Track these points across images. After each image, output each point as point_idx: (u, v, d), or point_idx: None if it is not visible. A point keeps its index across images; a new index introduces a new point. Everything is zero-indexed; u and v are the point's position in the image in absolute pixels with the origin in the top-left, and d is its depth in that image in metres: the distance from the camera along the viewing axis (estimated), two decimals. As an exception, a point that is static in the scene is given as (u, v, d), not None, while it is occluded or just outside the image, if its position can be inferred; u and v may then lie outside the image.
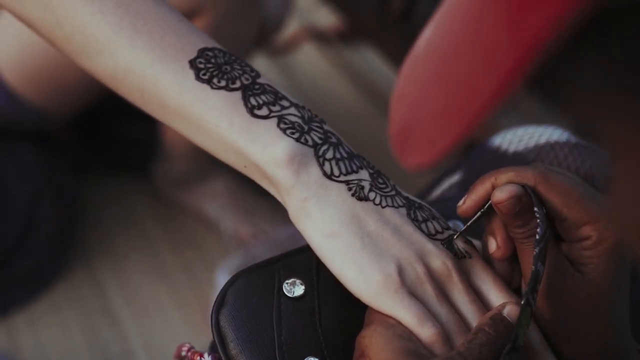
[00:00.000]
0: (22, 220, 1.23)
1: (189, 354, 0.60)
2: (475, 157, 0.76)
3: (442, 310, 0.52)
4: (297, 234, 1.36)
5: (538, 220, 0.48)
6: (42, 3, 0.58)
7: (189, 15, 1.06)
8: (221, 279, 1.23)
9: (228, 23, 1.08)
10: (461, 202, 0.54)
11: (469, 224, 0.54)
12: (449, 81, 0.33)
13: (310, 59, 1.99)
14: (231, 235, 1.40)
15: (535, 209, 0.49)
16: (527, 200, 0.50)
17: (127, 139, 1.49)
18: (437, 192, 0.77)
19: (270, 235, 1.38)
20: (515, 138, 0.75)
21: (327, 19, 2.04)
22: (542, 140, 0.73)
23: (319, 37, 2.05)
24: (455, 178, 0.75)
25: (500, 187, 0.51)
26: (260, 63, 1.71)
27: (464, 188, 0.72)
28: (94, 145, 1.49)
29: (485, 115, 0.30)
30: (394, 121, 0.41)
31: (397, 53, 1.34)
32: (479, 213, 0.54)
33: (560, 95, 0.29)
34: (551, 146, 0.72)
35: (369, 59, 1.96)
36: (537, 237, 0.48)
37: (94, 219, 1.42)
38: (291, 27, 1.82)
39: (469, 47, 0.31)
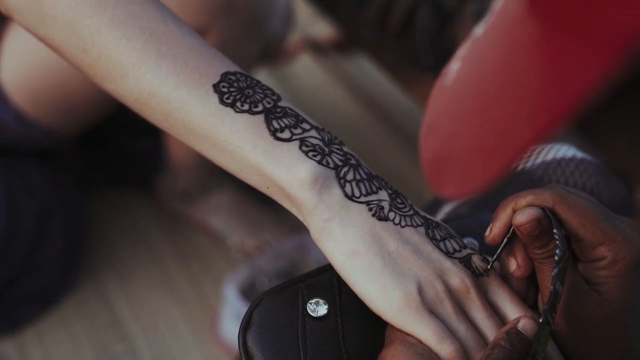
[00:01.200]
0: (31, 238, 1.24)
1: None
2: None
3: (460, 326, 0.54)
4: (301, 246, 1.38)
5: (557, 242, 0.51)
6: (67, 27, 0.60)
7: (196, 35, 1.08)
8: (228, 291, 1.25)
9: (233, 43, 1.10)
10: (488, 231, 0.56)
11: (499, 251, 0.57)
12: (487, 119, 0.35)
13: (307, 69, 2.02)
14: (238, 249, 1.42)
15: (555, 230, 0.51)
16: (546, 222, 0.52)
17: (130, 153, 1.51)
18: (447, 207, 0.79)
19: (275, 246, 1.40)
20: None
21: (323, 30, 2.07)
22: (549, 157, 0.75)
23: (316, 47, 2.08)
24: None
25: (520, 211, 0.53)
26: (258, 73, 1.73)
27: (475, 206, 0.75)
28: (97, 160, 1.50)
29: (523, 155, 0.32)
30: (427, 151, 0.43)
31: (395, 66, 1.37)
32: (505, 240, 0.56)
33: (595, 138, 0.32)
34: (558, 162, 0.74)
35: (366, 70, 1.99)
36: (557, 257, 0.50)
37: (99, 234, 1.44)
38: (289, 38, 1.85)
39: (510, 90, 0.33)
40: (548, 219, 0.52)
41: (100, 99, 1.19)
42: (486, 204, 0.75)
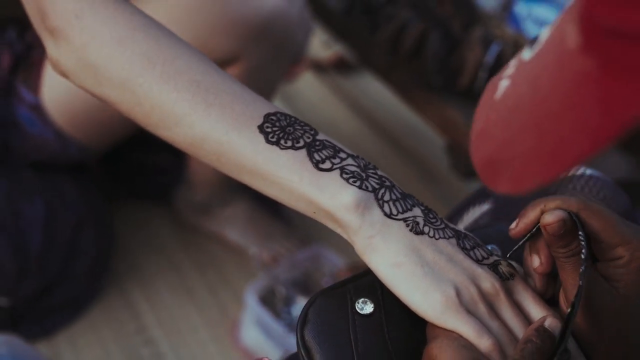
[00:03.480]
0: (65, 249, 1.31)
1: None
2: None
3: (493, 324, 0.62)
4: (315, 256, 1.45)
5: (582, 242, 0.59)
6: (121, 86, 0.67)
7: (226, 63, 1.16)
8: (249, 299, 1.32)
9: (262, 67, 1.18)
10: (513, 225, 0.64)
11: (520, 243, 0.64)
12: (544, 132, 0.43)
13: (309, 87, 2.11)
14: (258, 259, 1.50)
15: (580, 232, 0.60)
16: (571, 224, 0.60)
17: (150, 168, 1.59)
18: (467, 216, 0.87)
19: (290, 257, 1.47)
20: None
21: (325, 51, 2.16)
22: None
23: (317, 67, 2.17)
24: (485, 207, 0.86)
25: (549, 212, 0.60)
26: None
27: (495, 217, 0.83)
28: (119, 175, 1.58)
29: (574, 167, 0.41)
30: (479, 153, 0.51)
31: (406, 87, 1.44)
32: (528, 235, 0.64)
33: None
34: (569, 179, 0.82)
35: (364, 88, 2.08)
36: (583, 256, 0.58)
37: (121, 244, 1.51)
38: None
39: (567, 112, 0.41)
40: (573, 222, 0.60)
41: (131, 121, 1.27)
42: (504, 215, 0.83)
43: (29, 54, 1.24)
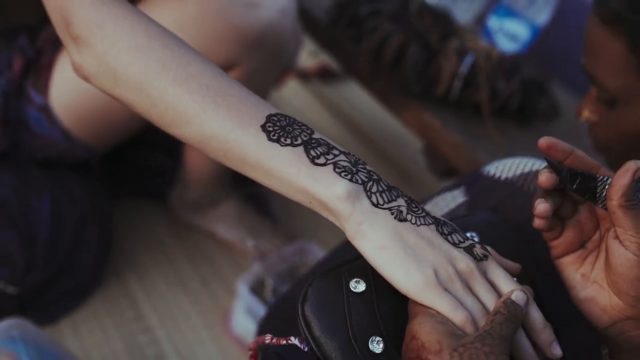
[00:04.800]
0: (70, 241, 1.40)
1: (274, 340, 0.75)
2: (472, 182, 0.97)
3: (468, 300, 0.69)
4: (301, 250, 1.55)
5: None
6: (138, 89, 0.74)
7: (226, 69, 1.26)
8: (241, 288, 1.42)
9: (259, 73, 1.28)
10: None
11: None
12: None
13: (294, 94, 2.22)
14: (255, 251, 1.60)
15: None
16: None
17: (146, 168, 1.68)
18: (438, 198, 0.97)
19: (278, 251, 1.58)
20: (505, 167, 0.96)
21: (309, 61, 2.27)
22: (527, 169, 0.94)
23: (302, 75, 2.28)
24: (460, 199, 0.96)
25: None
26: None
27: (470, 208, 0.93)
28: (118, 174, 1.67)
29: None
30: None
31: (387, 94, 1.55)
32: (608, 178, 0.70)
33: None
34: (534, 174, 0.93)
35: (346, 95, 2.20)
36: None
37: (120, 239, 1.61)
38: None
39: None
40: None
41: (134, 121, 1.37)
42: (478, 206, 0.94)
43: (39, 58, 1.33)
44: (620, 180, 0.66)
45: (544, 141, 0.71)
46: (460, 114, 1.49)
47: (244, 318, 1.46)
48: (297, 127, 0.74)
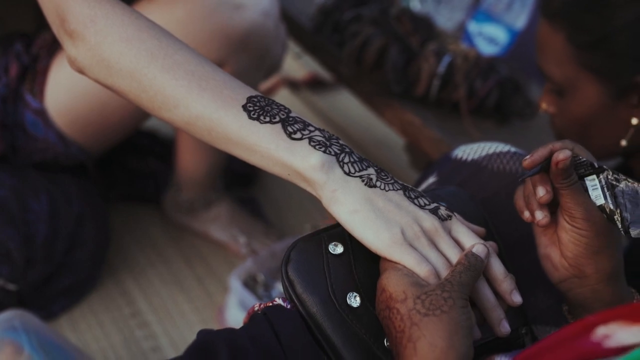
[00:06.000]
0: (68, 240, 1.46)
1: (261, 305, 0.81)
2: (443, 165, 1.04)
3: (432, 254, 0.75)
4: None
5: (585, 160, 0.76)
6: (129, 77, 0.81)
7: (214, 67, 1.33)
8: (234, 283, 1.48)
9: (245, 73, 1.35)
10: (527, 157, 0.77)
11: (530, 174, 0.78)
12: None
13: (285, 103, 2.28)
14: (248, 247, 1.66)
15: (583, 158, 0.76)
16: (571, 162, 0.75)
17: (139, 173, 1.75)
18: (422, 187, 1.03)
19: (268, 248, 1.63)
20: (471, 150, 1.02)
21: (299, 71, 2.35)
22: (491, 151, 1.00)
23: (292, 85, 2.35)
24: (431, 180, 1.03)
25: (561, 150, 0.74)
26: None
27: (442, 183, 0.99)
28: (113, 178, 1.74)
29: None
30: None
31: (370, 95, 1.61)
32: (539, 166, 0.76)
33: None
34: (497, 155, 0.99)
35: (335, 103, 2.27)
36: (597, 165, 0.76)
37: (116, 240, 1.67)
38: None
39: None
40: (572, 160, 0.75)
41: (126, 124, 1.44)
42: (449, 182, 1.00)
43: (35, 64, 1.40)
44: (554, 165, 0.74)
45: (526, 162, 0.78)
46: (439, 112, 1.55)
47: (237, 311, 1.51)
48: (275, 106, 0.80)
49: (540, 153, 0.76)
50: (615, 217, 0.76)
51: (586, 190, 0.77)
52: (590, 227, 0.76)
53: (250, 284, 1.53)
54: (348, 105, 2.24)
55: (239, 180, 1.88)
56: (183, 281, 1.63)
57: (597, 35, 1.03)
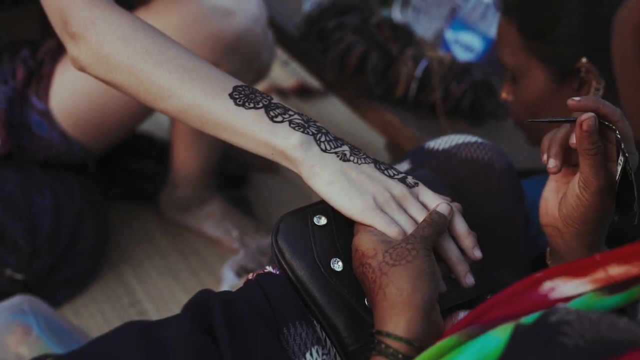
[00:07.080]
0: (70, 233, 1.56)
1: (254, 275, 0.90)
2: (417, 154, 1.13)
3: (402, 217, 0.84)
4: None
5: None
6: (127, 72, 0.91)
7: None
8: (226, 272, 1.58)
9: (235, 74, 1.43)
10: (575, 99, 0.79)
11: (565, 119, 0.82)
12: None
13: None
14: (240, 239, 1.76)
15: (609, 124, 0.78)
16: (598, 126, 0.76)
17: (137, 173, 1.85)
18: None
19: (258, 242, 1.73)
20: (442, 141, 1.12)
21: (287, 79, 2.46)
22: (460, 141, 1.09)
23: (281, 93, 2.46)
24: (405, 167, 1.12)
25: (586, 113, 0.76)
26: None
27: (416, 167, 1.08)
28: (112, 178, 1.84)
29: None
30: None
31: (353, 98, 1.72)
32: (571, 119, 0.80)
33: None
34: (466, 144, 1.08)
35: (322, 110, 2.37)
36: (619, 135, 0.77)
37: (115, 235, 1.77)
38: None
39: None
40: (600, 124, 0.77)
41: (125, 124, 1.54)
42: (422, 167, 1.09)
43: (40, 69, 1.50)
44: (579, 128, 0.76)
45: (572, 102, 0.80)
46: (417, 112, 1.66)
47: (229, 301, 1.61)
48: (258, 94, 0.90)
49: (588, 102, 0.78)
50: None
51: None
52: (595, 205, 0.81)
53: (242, 274, 1.63)
54: (333, 111, 2.36)
55: (232, 182, 1.99)
56: (178, 273, 1.73)
57: (542, 26, 1.15)
